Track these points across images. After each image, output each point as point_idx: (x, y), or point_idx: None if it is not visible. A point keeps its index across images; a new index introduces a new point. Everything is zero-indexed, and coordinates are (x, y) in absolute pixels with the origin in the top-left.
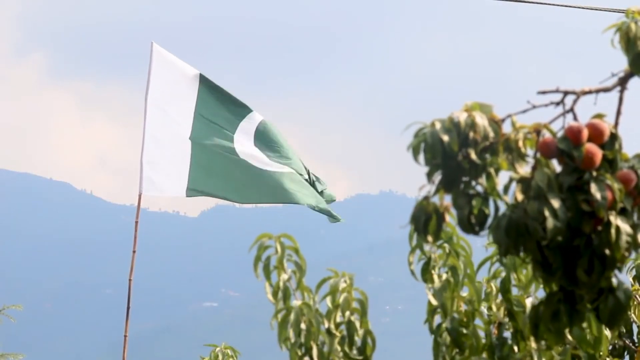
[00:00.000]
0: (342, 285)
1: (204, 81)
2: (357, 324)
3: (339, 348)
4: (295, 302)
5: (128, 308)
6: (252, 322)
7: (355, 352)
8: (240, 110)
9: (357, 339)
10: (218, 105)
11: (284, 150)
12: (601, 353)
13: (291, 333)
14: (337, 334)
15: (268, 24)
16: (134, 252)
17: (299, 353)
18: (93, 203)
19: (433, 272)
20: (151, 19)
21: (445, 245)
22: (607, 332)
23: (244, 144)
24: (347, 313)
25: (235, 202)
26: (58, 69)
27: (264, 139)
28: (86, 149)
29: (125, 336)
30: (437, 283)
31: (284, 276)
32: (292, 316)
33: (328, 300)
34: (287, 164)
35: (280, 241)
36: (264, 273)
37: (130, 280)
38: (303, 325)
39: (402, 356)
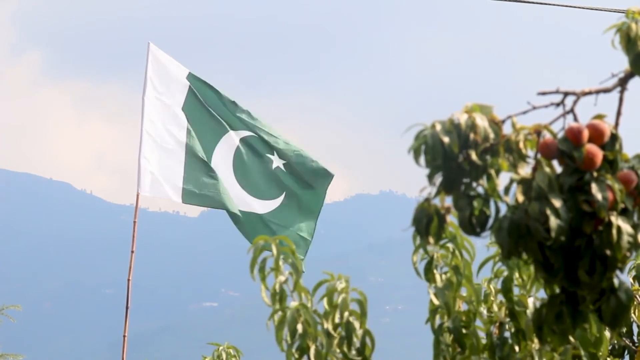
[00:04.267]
0: (340, 286)
1: (194, 83)
2: (356, 325)
3: (337, 349)
4: (293, 303)
5: (127, 308)
6: (252, 322)
7: (354, 352)
8: (224, 124)
9: (356, 340)
10: (204, 114)
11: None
12: (601, 353)
13: (288, 335)
14: (336, 335)
15: (266, 23)
16: (132, 252)
17: (296, 355)
18: (93, 203)
19: (435, 271)
20: (149, 17)
21: (449, 244)
22: (606, 332)
23: (220, 162)
24: (346, 314)
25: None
26: (55, 68)
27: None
28: (85, 148)
29: (124, 336)
30: (439, 283)
31: (281, 278)
32: (288, 317)
33: (325, 302)
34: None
35: (276, 243)
36: (260, 275)
37: (129, 280)
38: (300, 326)
39: (402, 356)
